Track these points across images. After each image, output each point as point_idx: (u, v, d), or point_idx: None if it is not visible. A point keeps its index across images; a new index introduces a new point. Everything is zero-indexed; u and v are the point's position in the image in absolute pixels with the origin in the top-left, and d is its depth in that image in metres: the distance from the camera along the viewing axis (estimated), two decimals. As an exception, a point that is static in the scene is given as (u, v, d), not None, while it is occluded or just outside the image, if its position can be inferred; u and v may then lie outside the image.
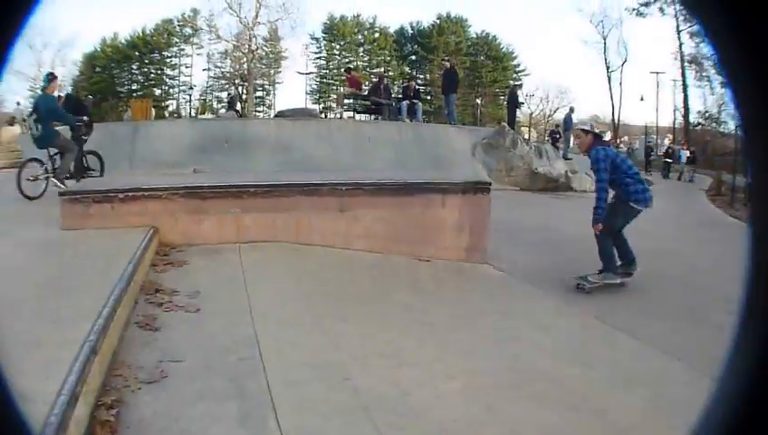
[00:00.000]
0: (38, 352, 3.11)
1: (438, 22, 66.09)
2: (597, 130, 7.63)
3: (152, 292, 5.04)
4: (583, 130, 7.33)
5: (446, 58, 25.32)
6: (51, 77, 10.88)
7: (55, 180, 9.63)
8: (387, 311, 5.51)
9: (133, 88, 63.39)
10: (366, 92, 21.95)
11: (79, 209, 6.65)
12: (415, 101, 20.05)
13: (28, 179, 9.46)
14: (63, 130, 10.57)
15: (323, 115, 41.91)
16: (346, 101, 22.07)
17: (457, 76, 22.30)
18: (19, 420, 0.84)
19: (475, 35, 67.39)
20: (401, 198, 7.66)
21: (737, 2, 0.67)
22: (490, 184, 8.30)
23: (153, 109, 26.66)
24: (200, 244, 6.59)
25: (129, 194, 6.73)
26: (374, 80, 34.22)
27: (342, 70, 61.22)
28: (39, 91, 11.29)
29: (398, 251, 7.45)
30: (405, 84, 30.39)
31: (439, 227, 7.71)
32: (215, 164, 13.13)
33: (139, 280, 5.13)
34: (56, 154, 10.01)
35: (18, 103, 36.96)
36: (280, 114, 21.47)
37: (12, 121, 32.61)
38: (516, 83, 47.79)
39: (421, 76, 62.27)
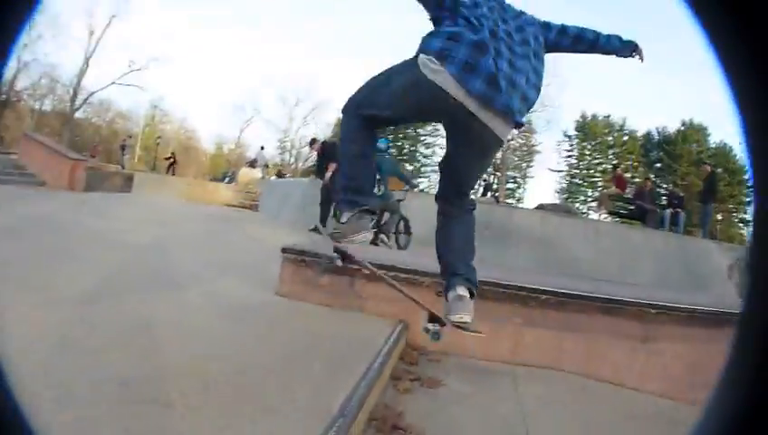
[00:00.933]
0: None
1: (683, 128, 60.73)
2: None
3: (387, 430, 3.20)
4: None
5: (707, 162, 23.08)
6: (390, 143, 12.20)
7: (383, 236, 10.83)
8: None
9: (374, 165, 65.76)
10: (631, 195, 19.90)
11: (305, 275, 5.14)
12: (678, 209, 17.85)
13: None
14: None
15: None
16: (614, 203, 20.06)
17: (717, 184, 19.93)
18: (19, 419, 0.79)
19: (713, 145, 60.79)
20: (709, 331, 5.30)
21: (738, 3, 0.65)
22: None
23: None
24: (461, 355, 4.72)
25: (378, 272, 5.12)
26: (637, 181, 32.29)
27: (592, 171, 59.03)
28: (380, 153, 12.41)
29: (691, 398, 5.06)
30: (670, 191, 28.28)
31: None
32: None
33: (372, 402, 3.36)
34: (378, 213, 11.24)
35: (262, 148, 39.31)
36: (540, 207, 20.33)
37: (254, 164, 34.15)
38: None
39: (664, 186, 56.87)
